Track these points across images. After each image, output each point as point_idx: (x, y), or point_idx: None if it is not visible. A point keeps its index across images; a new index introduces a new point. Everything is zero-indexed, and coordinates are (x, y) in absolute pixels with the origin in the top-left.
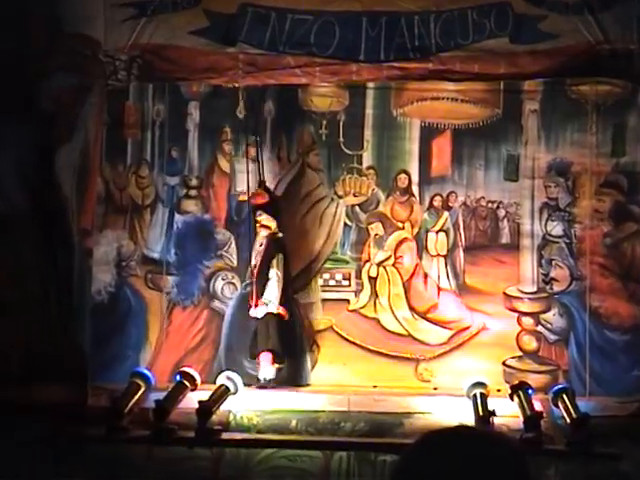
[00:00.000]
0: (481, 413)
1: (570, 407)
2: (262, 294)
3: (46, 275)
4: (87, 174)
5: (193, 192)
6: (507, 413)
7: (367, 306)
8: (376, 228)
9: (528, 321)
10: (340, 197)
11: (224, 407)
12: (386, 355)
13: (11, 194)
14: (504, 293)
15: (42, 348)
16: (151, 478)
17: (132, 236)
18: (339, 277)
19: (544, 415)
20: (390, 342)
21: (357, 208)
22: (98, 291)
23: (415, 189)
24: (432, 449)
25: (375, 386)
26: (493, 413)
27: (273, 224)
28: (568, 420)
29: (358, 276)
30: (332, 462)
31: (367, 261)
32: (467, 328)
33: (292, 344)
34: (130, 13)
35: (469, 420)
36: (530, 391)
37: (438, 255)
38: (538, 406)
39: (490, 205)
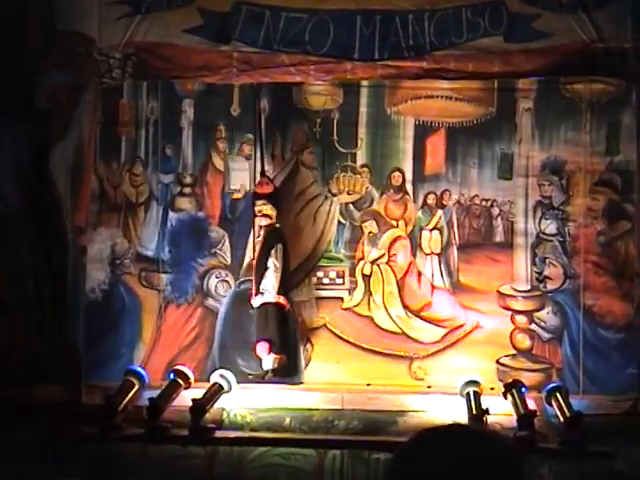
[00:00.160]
0: (474, 411)
1: (564, 405)
2: (258, 284)
3: (40, 273)
4: (81, 172)
5: (187, 190)
6: (501, 411)
7: (361, 304)
8: (370, 226)
9: (522, 319)
10: (334, 195)
11: (218, 405)
12: (380, 353)
13: (7, 194)
14: (498, 291)
15: (37, 347)
16: (145, 476)
17: (126, 234)
18: (333, 275)
19: (538, 413)
20: (384, 340)
21: (351, 206)
22: (92, 289)
23: (409, 187)
24: (426, 447)
25: (369, 384)
26: (487, 411)
27: (274, 214)
28: (562, 418)
29: (352, 274)
30: (326, 460)
31: (361, 259)
32: (461, 326)
33: (288, 338)
34: (124, 11)
35: (463, 418)
36: (524, 389)
37: (432, 253)
38: (532, 404)
39: (484, 203)
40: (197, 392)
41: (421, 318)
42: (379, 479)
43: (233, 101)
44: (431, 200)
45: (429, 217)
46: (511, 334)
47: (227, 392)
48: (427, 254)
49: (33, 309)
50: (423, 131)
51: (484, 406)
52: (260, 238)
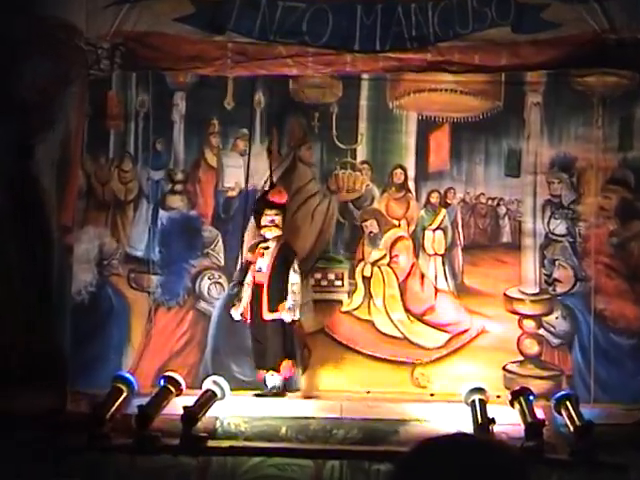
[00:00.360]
0: (480, 420)
1: (574, 414)
2: (275, 299)
3: (26, 274)
4: (67, 167)
5: (179, 187)
6: (507, 421)
7: (361, 307)
8: (370, 226)
9: (530, 324)
10: (333, 193)
11: (210, 413)
12: (380, 359)
13: None
14: (505, 294)
15: (21, 351)
16: None
17: (114, 233)
18: (331, 277)
19: (546, 423)
20: (385, 345)
21: (351, 205)
22: (78, 291)
23: (411, 185)
24: (429, 457)
25: (369, 392)
26: (492, 421)
27: (281, 225)
28: (571, 428)
29: (351, 276)
30: (324, 471)
31: (361, 260)
32: (466, 331)
33: (293, 347)
34: None
35: (467, 428)
36: (531, 397)
37: (435, 254)
38: (540, 413)
39: (490, 202)
40: (189, 400)
41: (424, 322)
42: None
43: (227, 94)
44: (434, 199)
45: (432, 216)
46: (518, 339)
47: (220, 400)
48: (430, 255)
49: (20, 311)
50: (426, 126)
51: (490, 415)
52: (270, 250)
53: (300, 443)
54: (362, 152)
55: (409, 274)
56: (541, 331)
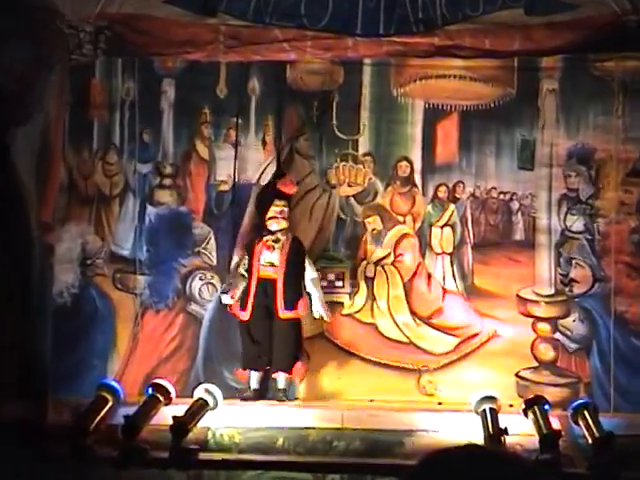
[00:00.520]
0: (491, 431)
1: (592, 425)
2: (292, 296)
3: (3, 274)
4: (47, 160)
5: (167, 181)
6: (521, 431)
7: (363, 310)
8: (373, 222)
9: (545, 327)
10: (333, 187)
11: (202, 423)
12: (384, 365)
13: None
14: (518, 296)
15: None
16: None
17: (98, 231)
18: (332, 277)
19: (563, 434)
20: (389, 351)
21: (352, 200)
22: (60, 293)
23: (417, 178)
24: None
25: (372, 400)
26: (505, 431)
27: (288, 218)
28: (590, 440)
29: (353, 276)
30: None
31: (363, 259)
32: (476, 335)
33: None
34: None
35: (478, 439)
36: (547, 406)
37: (443, 253)
38: (556, 423)
39: (502, 197)
40: (179, 409)
41: (431, 326)
42: None
43: (219, 81)
44: (442, 193)
45: (440, 212)
46: (532, 344)
47: (212, 409)
48: (438, 254)
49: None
50: (434, 115)
51: (502, 425)
52: (281, 243)
53: (298, 455)
54: (364, 143)
55: (415, 274)
56: (557, 335)
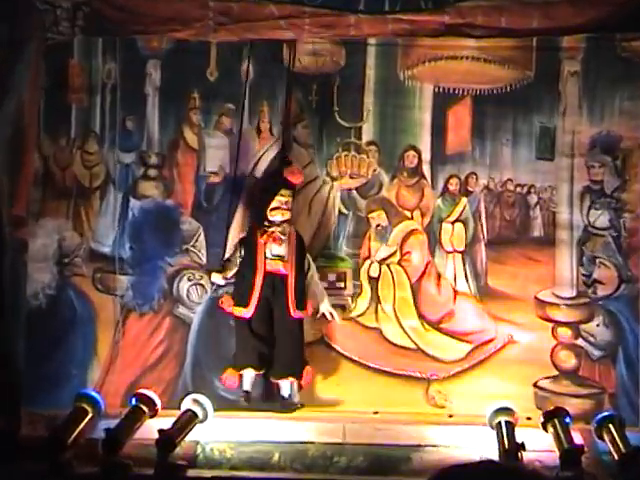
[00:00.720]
0: (507, 446)
1: (618, 439)
2: (300, 294)
3: None
4: (20, 149)
5: (153, 172)
6: (540, 446)
7: (367, 313)
8: (378, 218)
9: (566, 333)
10: (334, 179)
11: (190, 437)
12: (390, 374)
13: None
14: (536, 298)
15: None
16: None
17: (77, 226)
18: (332, 278)
19: (585, 449)
20: (395, 358)
21: (355, 193)
22: (34, 294)
23: (426, 169)
24: None
25: (376, 412)
26: (522, 446)
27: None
28: (616, 455)
29: (356, 277)
30: None
31: (367, 258)
32: (490, 341)
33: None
34: None
35: (492, 454)
36: (568, 419)
37: (454, 251)
38: (578, 438)
39: (519, 189)
40: (165, 421)
41: (441, 331)
42: None
43: (210, 62)
44: (453, 185)
45: (451, 206)
46: (552, 351)
47: (202, 421)
48: (448, 252)
49: None
50: (444, 100)
51: (519, 440)
52: (285, 237)
53: (296, 472)
54: (368, 131)
55: (423, 274)
56: (579, 341)
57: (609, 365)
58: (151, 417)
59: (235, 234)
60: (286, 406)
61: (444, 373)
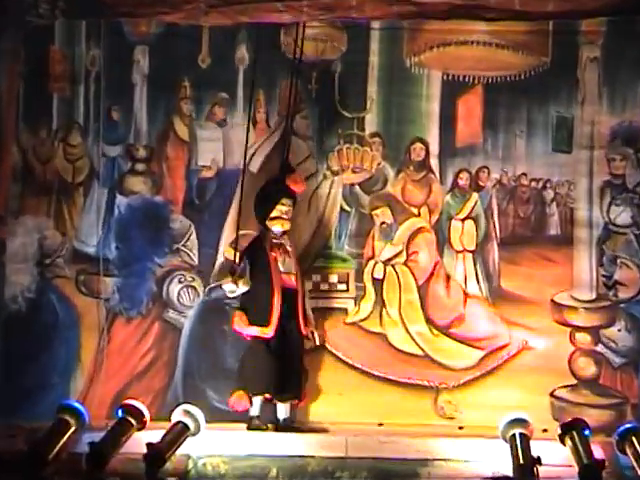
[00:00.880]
0: (522, 460)
1: None
2: (305, 310)
3: None
4: None
5: (140, 166)
6: (557, 461)
7: (371, 318)
8: (382, 215)
9: (585, 338)
10: (335, 174)
11: (181, 451)
12: (396, 383)
13: None
14: (552, 301)
15: None
16: None
17: (59, 224)
18: (334, 279)
19: (606, 464)
20: (401, 365)
21: (358, 188)
22: (13, 297)
23: (434, 163)
24: None
25: (381, 424)
26: (538, 461)
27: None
28: (639, 470)
29: (359, 278)
30: None
31: (371, 258)
32: (503, 347)
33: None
34: None
35: (506, 470)
36: (587, 432)
37: (464, 250)
38: (598, 452)
39: (534, 184)
40: (154, 435)
41: (450, 336)
42: None
43: (201, 48)
44: (464, 180)
45: (461, 203)
46: (570, 358)
47: (194, 434)
48: (458, 252)
49: None
50: (453, 88)
51: (535, 454)
52: (291, 250)
53: None
54: (372, 122)
55: (431, 275)
56: (599, 347)
57: (631, 373)
58: (139, 430)
59: (229, 233)
60: (287, 430)
61: (454, 382)
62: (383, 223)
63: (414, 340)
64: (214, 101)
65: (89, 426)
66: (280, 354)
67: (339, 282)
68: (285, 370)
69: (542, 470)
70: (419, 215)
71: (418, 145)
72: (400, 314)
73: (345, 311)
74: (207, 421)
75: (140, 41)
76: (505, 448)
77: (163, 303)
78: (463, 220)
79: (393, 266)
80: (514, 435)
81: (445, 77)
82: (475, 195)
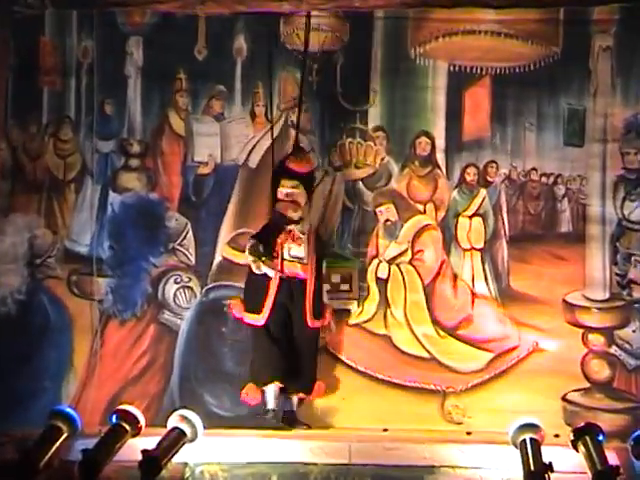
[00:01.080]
0: (533, 467)
1: None
2: (318, 301)
3: None
4: None
5: (134, 162)
6: (569, 467)
7: (375, 319)
8: (387, 212)
9: (598, 340)
10: (337, 169)
11: (178, 458)
12: (401, 386)
13: None
14: (564, 301)
15: None
16: None
17: (50, 223)
18: (336, 279)
19: (621, 470)
20: (407, 369)
21: (361, 184)
22: (2, 299)
23: (440, 158)
24: None
25: (386, 429)
26: (550, 467)
27: (304, 202)
28: None
29: (362, 278)
30: None
31: (374, 257)
32: (513, 350)
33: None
34: None
35: (517, 476)
36: (601, 437)
37: (472, 249)
38: (612, 458)
39: (544, 180)
40: (149, 441)
41: (457, 338)
42: None
43: (198, 39)
44: (471, 176)
45: (468, 199)
46: (583, 360)
47: (191, 441)
48: (465, 250)
49: None
50: (460, 80)
51: (546, 460)
52: (305, 237)
53: None
54: (375, 115)
55: (438, 275)
56: (613, 349)
57: None
58: (134, 436)
59: (227, 231)
60: (291, 422)
61: (461, 385)
62: (387, 220)
63: (420, 342)
64: (211, 94)
65: (82, 433)
66: (286, 343)
67: (342, 282)
68: (291, 362)
69: (554, 477)
70: (425, 212)
71: (424, 139)
72: (405, 315)
73: (348, 312)
74: (205, 427)
75: (134, 32)
76: (515, 454)
77: (159, 304)
78: (471, 217)
79: (398, 265)
80: (524, 441)
81: (451, 68)
82: (483, 191)
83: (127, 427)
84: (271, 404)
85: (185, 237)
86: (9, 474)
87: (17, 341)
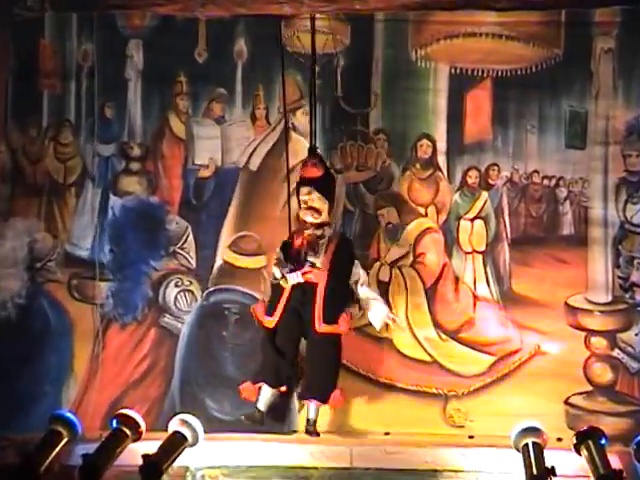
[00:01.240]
0: (535, 471)
1: None
2: (333, 307)
3: None
4: None
5: (135, 165)
6: (572, 471)
7: None
8: (388, 215)
9: (600, 343)
10: (339, 172)
11: (179, 463)
12: (402, 390)
13: None
14: (566, 304)
15: None
16: None
17: (50, 227)
18: None
19: (624, 474)
20: (408, 372)
21: (362, 187)
22: (3, 303)
23: (442, 161)
24: None
25: (387, 433)
26: (552, 471)
27: (326, 207)
28: None
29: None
30: None
31: (376, 260)
32: (515, 353)
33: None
34: None
35: None
36: (603, 441)
37: (474, 252)
38: (615, 462)
39: (546, 182)
40: (150, 445)
41: (459, 341)
42: None
43: (198, 42)
44: (473, 178)
45: (470, 202)
46: (585, 364)
47: (191, 445)
48: (467, 253)
49: None
50: (461, 83)
51: (549, 464)
52: (323, 243)
53: None
54: (376, 118)
55: (439, 278)
56: (615, 352)
57: None
58: (134, 441)
59: (227, 235)
60: (308, 432)
61: (463, 389)
62: (389, 223)
63: (422, 345)
64: (211, 97)
65: (82, 437)
66: (288, 349)
67: None
68: (301, 367)
69: None
70: (426, 215)
71: (425, 142)
72: (407, 318)
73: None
74: (205, 431)
75: (134, 35)
76: (517, 458)
77: (159, 308)
78: (472, 220)
79: (399, 268)
80: (527, 444)
81: (453, 71)
82: (485, 194)
83: (128, 431)
84: (261, 405)
85: (186, 240)
86: (10, 479)
87: (17, 345)
